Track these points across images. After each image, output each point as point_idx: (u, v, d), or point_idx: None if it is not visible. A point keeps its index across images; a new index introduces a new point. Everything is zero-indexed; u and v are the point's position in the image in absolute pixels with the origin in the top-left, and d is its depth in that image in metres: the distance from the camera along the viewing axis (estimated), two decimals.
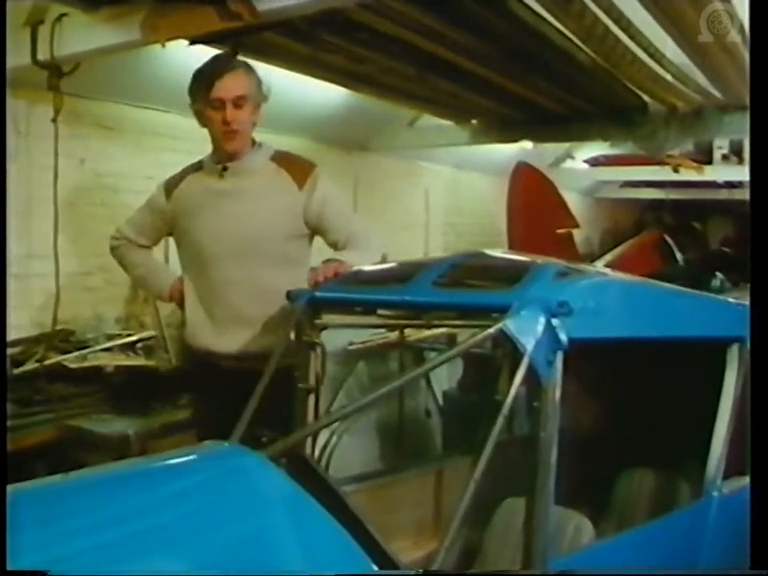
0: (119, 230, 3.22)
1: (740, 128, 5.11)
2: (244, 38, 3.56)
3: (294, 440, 2.06)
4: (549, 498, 1.90)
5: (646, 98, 5.21)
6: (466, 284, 2.30)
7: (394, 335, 3.34)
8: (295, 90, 4.86)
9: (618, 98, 5.21)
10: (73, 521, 1.68)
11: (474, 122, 6.26)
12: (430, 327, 2.82)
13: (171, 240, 3.26)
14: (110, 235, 3.27)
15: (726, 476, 2.54)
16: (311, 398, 2.38)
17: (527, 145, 7.44)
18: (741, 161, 9.09)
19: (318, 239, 3.08)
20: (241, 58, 3.13)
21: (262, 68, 3.07)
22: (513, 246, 7.42)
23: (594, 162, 10.00)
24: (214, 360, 3.00)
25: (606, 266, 7.95)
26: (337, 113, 5.84)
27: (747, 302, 2.31)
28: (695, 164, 9.15)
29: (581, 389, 2.83)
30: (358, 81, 4.89)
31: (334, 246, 3.01)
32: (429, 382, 3.54)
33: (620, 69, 4.35)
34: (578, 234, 8.90)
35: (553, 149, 9.14)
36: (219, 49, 3.48)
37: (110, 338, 4.40)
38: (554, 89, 5.09)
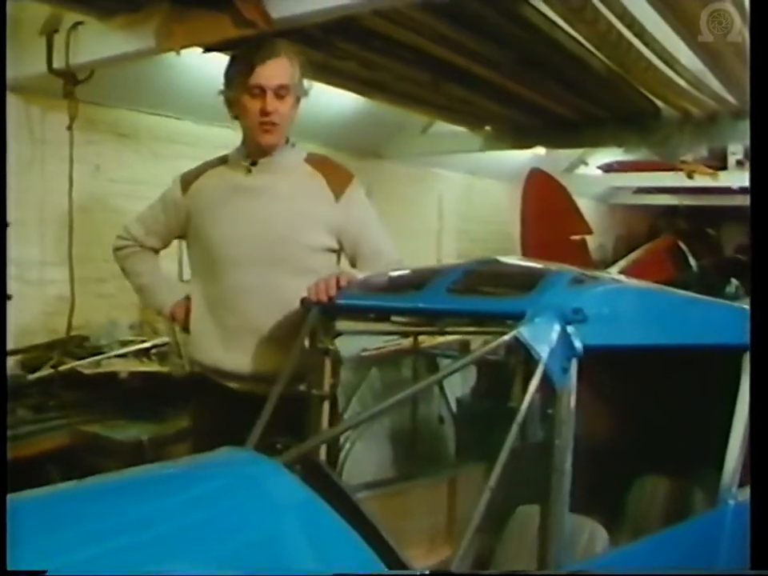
0: (127, 229, 2.94)
1: None
2: None
3: (309, 447, 2.06)
4: (564, 505, 1.89)
5: (659, 103, 5.21)
6: (480, 291, 2.29)
7: (406, 342, 3.33)
8: (308, 96, 4.86)
9: (631, 103, 5.20)
10: (87, 526, 1.68)
11: (487, 128, 6.26)
12: (443, 334, 2.81)
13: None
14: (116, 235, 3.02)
15: (742, 484, 2.52)
16: (325, 405, 2.38)
17: (540, 151, 7.44)
18: None
19: None
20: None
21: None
22: (526, 253, 7.41)
23: (608, 168, 9.97)
24: (220, 379, 2.75)
25: (620, 272, 7.94)
26: (349, 119, 5.85)
27: None
28: (709, 170, 9.11)
29: (595, 396, 2.81)
30: (372, 87, 4.90)
31: (354, 260, 2.78)
32: (442, 389, 3.53)
33: (634, 74, 4.35)
34: (591, 241, 8.87)
35: (566, 155, 9.13)
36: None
37: (124, 344, 4.40)
38: (567, 95, 5.08)
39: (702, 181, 9.23)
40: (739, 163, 9.19)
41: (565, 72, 4.45)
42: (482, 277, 2.37)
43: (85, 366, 4.06)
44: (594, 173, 10.06)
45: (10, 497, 1.76)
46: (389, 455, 3.33)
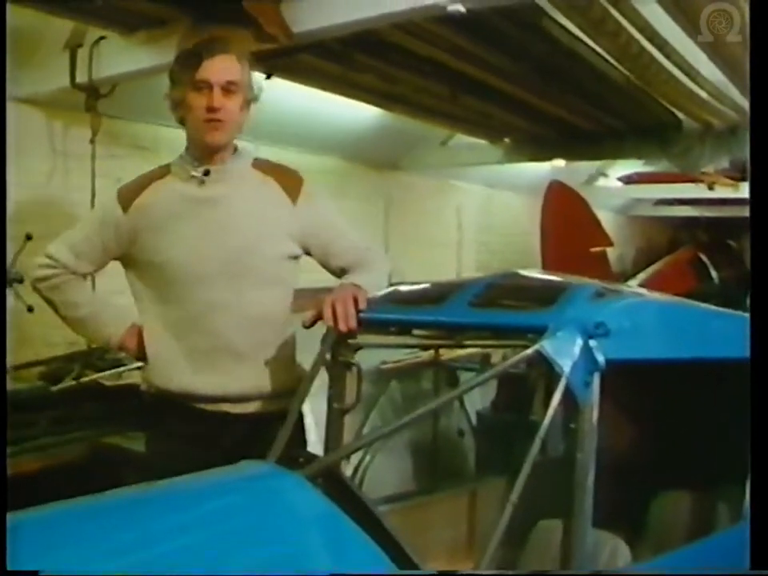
0: (51, 256, 2.53)
1: None
2: (279, 60, 3.60)
3: (331, 460, 2.06)
4: (586, 520, 1.88)
5: (680, 115, 5.20)
6: (502, 304, 2.29)
7: (426, 354, 3.33)
8: (327, 109, 4.89)
9: (652, 115, 5.20)
10: (110, 539, 1.69)
11: (506, 140, 6.28)
12: (464, 347, 2.80)
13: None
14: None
15: None
16: (347, 419, 2.38)
17: (560, 163, 7.44)
18: None
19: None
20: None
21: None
22: (546, 265, 7.40)
23: (628, 180, 9.95)
24: (189, 401, 2.48)
25: (640, 284, 7.91)
26: (369, 132, 5.87)
27: None
28: (730, 181, 9.06)
29: (617, 410, 2.80)
30: (391, 100, 4.93)
31: (341, 272, 2.58)
32: (462, 402, 3.53)
33: (654, 86, 4.34)
34: (611, 253, 8.85)
35: (586, 167, 9.12)
36: (254, 70, 3.51)
37: None
38: (587, 107, 5.09)
39: (723, 192, 9.19)
40: None
41: (585, 84, 4.46)
42: (503, 290, 2.36)
43: (106, 377, 4.08)
44: (613, 184, 10.04)
45: (32, 509, 1.78)
46: (409, 468, 3.32)
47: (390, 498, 2.86)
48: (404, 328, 2.37)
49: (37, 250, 3.86)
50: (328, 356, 2.28)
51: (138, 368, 4.22)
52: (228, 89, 2.38)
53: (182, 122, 2.50)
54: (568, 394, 1.85)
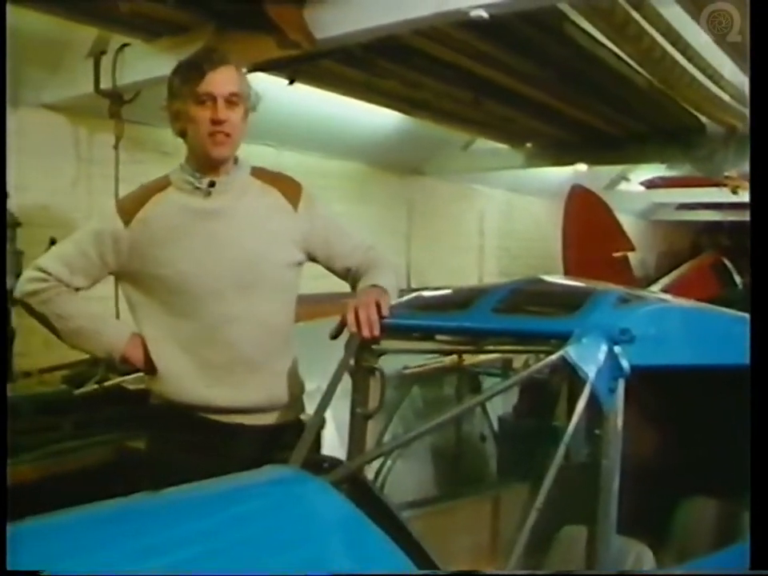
0: (43, 269, 2.42)
1: None
2: (302, 65, 3.62)
3: (355, 465, 2.06)
4: (611, 526, 1.87)
5: (703, 119, 5.18)
6: (526, 310, 2.28)
7: (448, 359, 3.32)
8: (350, 114, 4.90)
9: (675, 119, 5.18)
10: (134, 543, 1.70)
11: (528, 145, 6.28)
12: (487, 352, 2.79)
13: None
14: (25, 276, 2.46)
15: None
16: (370, 424, 2.38)
17: (582, 167, 7.41)
18: None
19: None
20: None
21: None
22: (568, 269, 7.37)
23: (650, 184, 9.91)
24: (202, 413, 2.43)
25: (663, 289, 7.86)
26: (391, 137, 5.88)
27: None
28: None
29: (642, 416, 2.78)
30: (414, 106, 4.94)
31: (347, 273, 2.57)
32: (484, 407, 3.52)
33: (677, 90, 4.33)
34: (633, 257, 8.80)
35: (608, 171, 9.09)
36: (277, 76, 3.53)
37: None
38: (609, 111, 5.08)
39: (746, 196, 9.12)
40: None
41: (607, 88, 4.45)
42: (527, 296, 2.36)
43: (129, 381, 4.09)
44: (636, 189, 10.01)
45: (56, 513, 1.79)
46: (431, 473, 3.32)
47: (413, 504, 2.86)
48: (428, 333, 2.37)
49: None
50: (351, 361, 2.29)
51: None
52: (231, 100, 2.35)
53: (182, 134, 2.45)
54: (592, 400, 1.85)
